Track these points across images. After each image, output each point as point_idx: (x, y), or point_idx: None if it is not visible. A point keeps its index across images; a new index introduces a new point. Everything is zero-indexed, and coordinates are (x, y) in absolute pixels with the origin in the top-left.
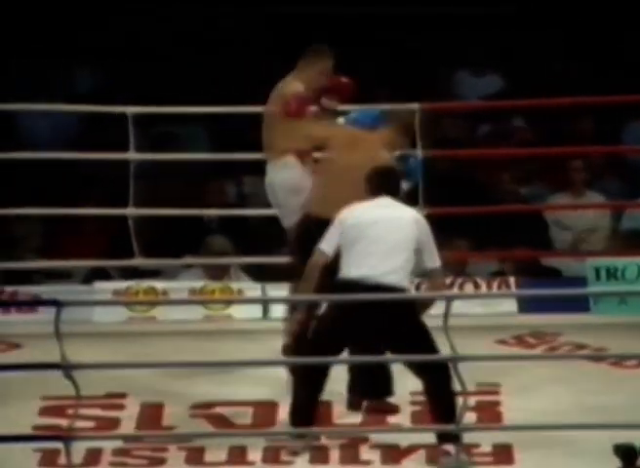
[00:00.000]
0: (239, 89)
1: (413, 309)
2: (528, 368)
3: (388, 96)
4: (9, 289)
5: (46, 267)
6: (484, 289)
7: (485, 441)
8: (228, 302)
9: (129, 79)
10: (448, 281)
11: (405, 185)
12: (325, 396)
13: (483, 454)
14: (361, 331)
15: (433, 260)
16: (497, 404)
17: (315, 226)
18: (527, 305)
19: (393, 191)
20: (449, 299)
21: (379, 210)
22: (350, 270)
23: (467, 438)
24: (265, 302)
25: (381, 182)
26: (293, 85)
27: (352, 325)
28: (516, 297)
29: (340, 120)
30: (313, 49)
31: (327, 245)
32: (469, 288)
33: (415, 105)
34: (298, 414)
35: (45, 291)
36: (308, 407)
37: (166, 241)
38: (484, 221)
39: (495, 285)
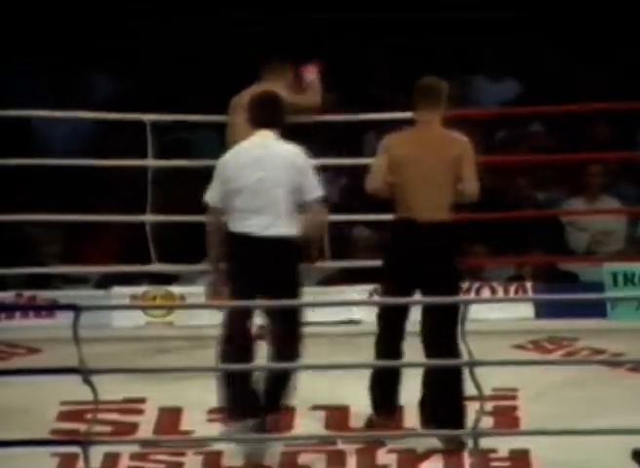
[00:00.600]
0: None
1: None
2: (545, 373)
3: (405, 102)
4: (27, 293)
5: (64, 272)
6: (501, 293)
7: (502, 446)
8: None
9: (147, 86)
10: (465, 286)
11: None
12: (342, 400)
13: (500, 459)
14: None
15: (311, 192)
16: (514, 409)
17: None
18: (544, 310)
19: (273, 122)
20: (466, 304)
21: (255, 150)
22: (236, 225)
23: (484, 443)
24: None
25: (261, 113)
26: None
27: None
28: (533, 302)
29: None
30: (274, 65)
31: (211, 194)
32: (486, 293)
33: None
34: None
35: (63, 295)
36: None
37: (183, 246)
38: (501, 227)
39: (512, 290)
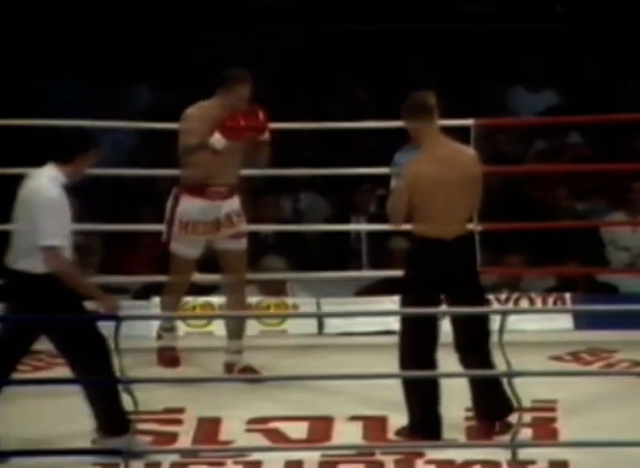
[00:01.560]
0: (295, 106)
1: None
2: (584, 384)
3: (441, 111)
4: None
5: (104, 282)
6: (539, 304)
7: (541, 457)
8: (284, 317)
9: (186, 96)
10: (503, 297)
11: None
12: (380, 410)
13: None
14: None
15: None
16: (552, 420)
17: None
18: (583, 322)
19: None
20: (504, 314)
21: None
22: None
23: (523, 454)
24: (320, 317)
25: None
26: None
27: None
28: (572, 314)
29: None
30: (233, 73)
31: None
32: (524, 303)
33: (469, 121)
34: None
35: None
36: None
37: None
38: (539, 237)
39: (550, 301)
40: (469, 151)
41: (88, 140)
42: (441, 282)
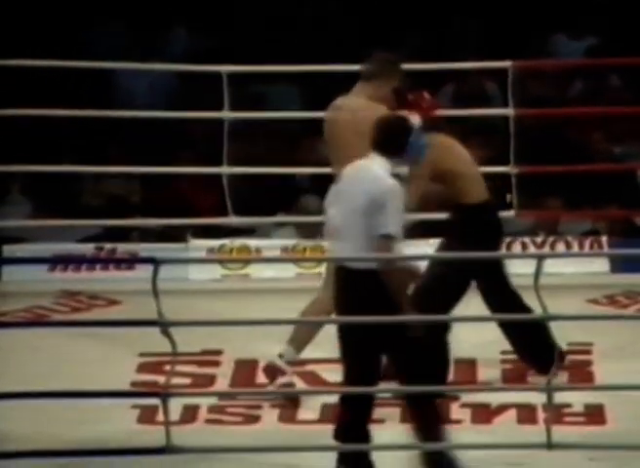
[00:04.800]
0: (332, 48)
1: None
2: (620, 327)
3: (477, 55)
4: (108, 246)
5: (143, 225)
6: (576, 248)
7: (577, 401)
8: (319, 261)
9: (223, 39)
10: (540, 240)
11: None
12: None
13: (575, 414)
14: None
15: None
16: (588, 363)
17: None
18: (619, 265)
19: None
20: (540, 258)
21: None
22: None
23: (559, 397)
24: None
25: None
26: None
27: None
28: (608, 257)
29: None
30: (383, 60)
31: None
32: (561, 247)
33: (506, 63)
34: None
35: (143, 248)
36: None
37: (259, 199)
38: (576, 180)
39: (587, 244)
40: None
41: (410, 129)
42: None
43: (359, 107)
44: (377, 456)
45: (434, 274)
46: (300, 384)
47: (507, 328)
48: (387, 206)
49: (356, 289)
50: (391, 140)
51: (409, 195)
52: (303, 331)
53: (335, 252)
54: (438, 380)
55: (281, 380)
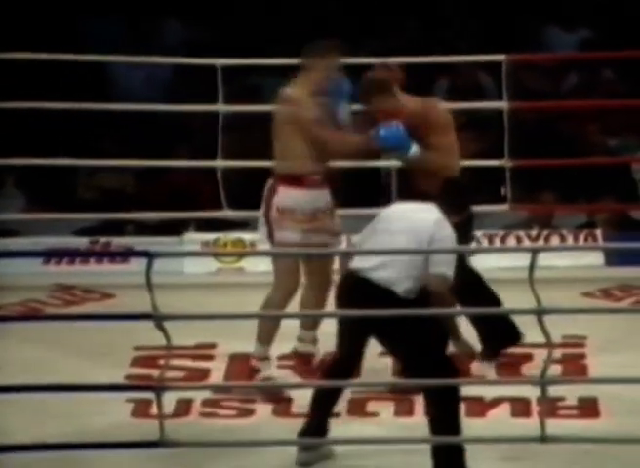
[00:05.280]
0: (327, 41)
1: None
2: (614, 321)
3: (471, 48)
4: (102, 239)
5: (137, 218)
6: (570, 241)
7: (570, 394)
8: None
9: (218, 31)
10: (534, 233)
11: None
12: None
13: (569, 407)
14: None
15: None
16: (582, 356)
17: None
18: (614, 258)
19: None
20: (534, 251)
21: None
22: None
23: (552, 391)
24: (352, 255)
25: None
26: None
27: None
28: (603, 250)
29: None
30: (320, 45)
31: None
32: (555, 240)
33: (500, 56)
34: None
35: (137, 242)
36: None
37: (254, 192)
38: (571, 174)
39: (581, 237)
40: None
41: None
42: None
43: (286, 98)
44: (373, 450)
45: None
46: (293, 378)
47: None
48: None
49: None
50: (457, 203)
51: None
52: (266, 326)
53: (378, 276)
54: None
55: (262, 375)
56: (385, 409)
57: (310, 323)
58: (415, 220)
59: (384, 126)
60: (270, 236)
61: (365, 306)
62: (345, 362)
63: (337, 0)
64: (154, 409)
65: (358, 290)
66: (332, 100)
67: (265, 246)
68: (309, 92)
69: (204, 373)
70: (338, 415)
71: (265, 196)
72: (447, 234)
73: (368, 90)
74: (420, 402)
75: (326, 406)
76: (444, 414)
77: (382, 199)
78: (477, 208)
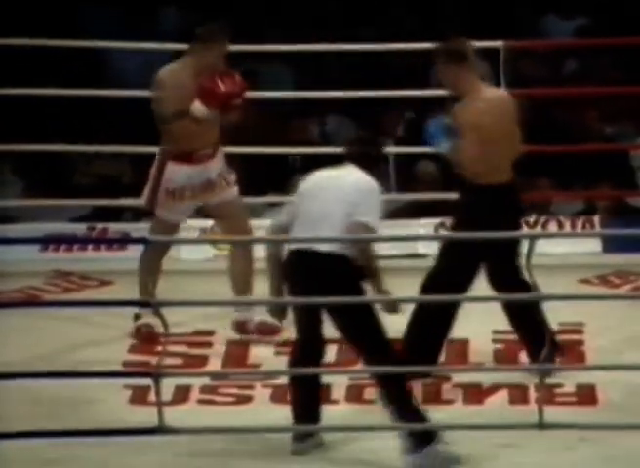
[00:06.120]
0: (324, 27)
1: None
2: (611, 307)
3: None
4: (100, 226)
5: (135, 205)
6: (568, 228)
7: (568, 381)
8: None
9: (214, 17)
10: (532, 220)
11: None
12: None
13: (566, 394)
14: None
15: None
16: (580, 343)
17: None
18: (611, 245)
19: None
20: (532, 238)
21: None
22: None
23: (550, 377)
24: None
25: None
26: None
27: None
28: (600, 237)
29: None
30: (213, 29)
31: None
32: (553, 227)
33: (498, 43)
34: None
35: (135, 228)
36: None
37: (250, 179)
38: (568, 161)
39: (579, 224)
40: (508, 94)
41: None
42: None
43: (157, 77)
44: (372, 437)
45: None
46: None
47: (509, 309)
48: (372, 200)
49: (326, 271)
50: (369, 156)
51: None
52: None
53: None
54: (427, 360)
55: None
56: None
57: (242, 288)
58: (339, 184)
59: (437, 118)
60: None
61: (317, 280)
62: (309, 345)
63: None
64: (152, 396)
65: (308, 264)
66: (434, 141)
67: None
68: (189, 75)
69: (202, 360)
70: (336, 402)
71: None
72: (372, 187)
73: (445, 60)
74: (417, 388)
75: (306, 393)
76: (396, 393)
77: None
78: None
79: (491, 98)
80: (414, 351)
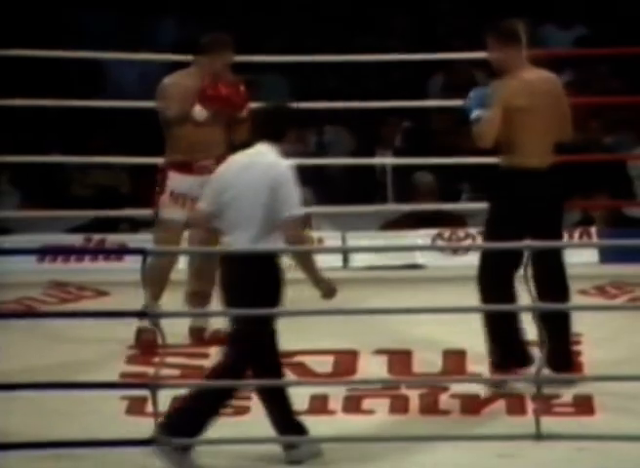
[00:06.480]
0: (321, 38)
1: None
2: (609, 318)
3: (464, 45)
4: (97, 237)
5: (132, 216)
6: (565, 238)
7: (565, 391)
8: (309, 252)
9: (212, 28)
10: None
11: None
12: (405, 344)
13: (564, 405)
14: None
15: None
16: (578, 353)
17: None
18: (608, 255)
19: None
20: (529, 249)
21: None
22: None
23: (548, 388)
24: (346, 251)
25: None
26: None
27: None
28: (598, 247)
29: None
30: (217, 38)
31: None
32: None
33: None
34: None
35: (132, 239)
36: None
37: None
38: (567, 170)
39: (576, 234)
40: (554, 77)
41: (293, 115)
42: (532, 215)
43: (160, 87)
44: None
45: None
46: (289, 376)
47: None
48: (286, 189)
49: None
50: (274, 128)
51: (480, 133)
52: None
53: (232, 243)
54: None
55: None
56: (380, 406)
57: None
58: (253, 174)
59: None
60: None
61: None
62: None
63: None
64: (149, 407)
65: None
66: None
67: None
68: (193, 82)
69: (199, 371)
70: (333, 413)
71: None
72: (285, 173)
73: (498, 38)
74: (414, 399)
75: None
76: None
77: (377, 196)
78: (472, 204)
79: (529, 80)
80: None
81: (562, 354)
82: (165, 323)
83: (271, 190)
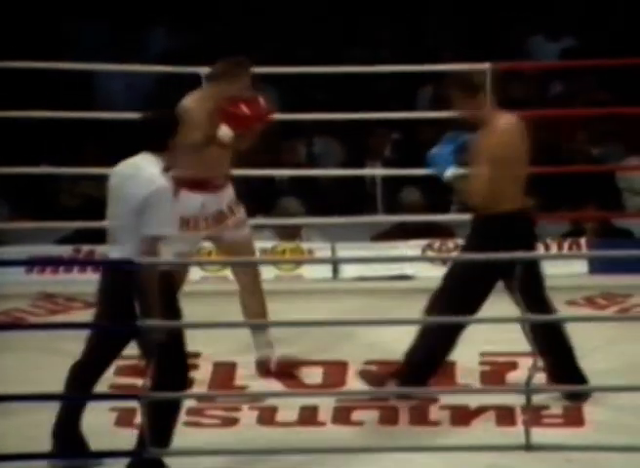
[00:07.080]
0: (311, 49)
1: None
2: (598, 328)
3: (453, 56)
4: (85, 248)
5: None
6: (554, 250)
7: (555, 402)
8: (299, 262)
9: (202, 40)
10: None
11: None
12: (394, 355)
13: (553, 416)
14: None
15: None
16: None
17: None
18: (598, 266)
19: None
20: (519, 260)
21: None
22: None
23: (537, 399)
24: (336, 262)
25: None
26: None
27: None
28: (587, 258)
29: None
30: (238, 62)
31: None
32: (540, 249)
33: (485, 65)
34: None
35: None
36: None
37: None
38: (555, 182)
39: (565, 246)
40: (517, 118)
41: (175, 123)
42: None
43: (181, 108)
44: (355, 458)
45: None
46: (278, 387)
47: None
48: (156, 207)
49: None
50: (157, 138)
51: (472, 192)
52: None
53: (116, 254)
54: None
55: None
56: (370, 417)
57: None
58: (129, 184)
59: (444, 142)
60: None
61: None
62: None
63: (321, 8)
64: (139, 418)
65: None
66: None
67: None
68: (214, 104)
69: (188, 382)
70: (323, 424)
71: None
72: (161, 191)
73: (462, 92)
74: (404, 410)
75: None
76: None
77: (367, 207)
78: (461, 216)
79: (508, 129)
80: (413, 369)
81: (566, 368)
82: None
83: (145, 205)
